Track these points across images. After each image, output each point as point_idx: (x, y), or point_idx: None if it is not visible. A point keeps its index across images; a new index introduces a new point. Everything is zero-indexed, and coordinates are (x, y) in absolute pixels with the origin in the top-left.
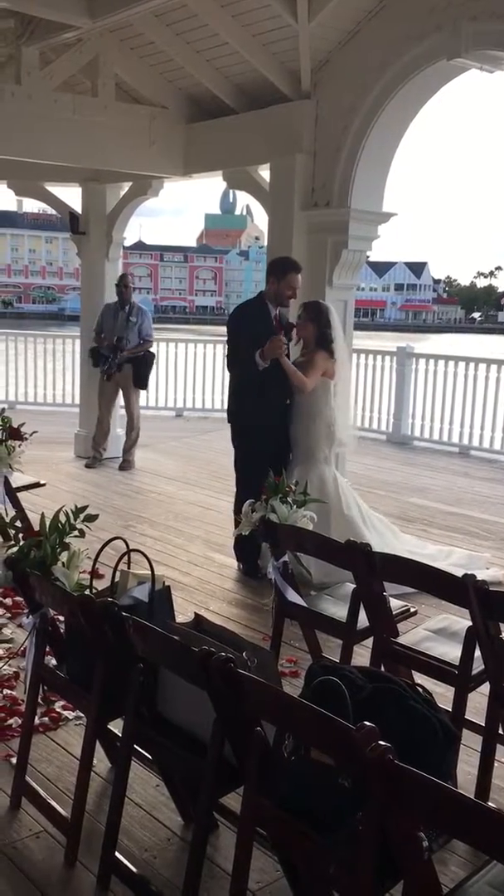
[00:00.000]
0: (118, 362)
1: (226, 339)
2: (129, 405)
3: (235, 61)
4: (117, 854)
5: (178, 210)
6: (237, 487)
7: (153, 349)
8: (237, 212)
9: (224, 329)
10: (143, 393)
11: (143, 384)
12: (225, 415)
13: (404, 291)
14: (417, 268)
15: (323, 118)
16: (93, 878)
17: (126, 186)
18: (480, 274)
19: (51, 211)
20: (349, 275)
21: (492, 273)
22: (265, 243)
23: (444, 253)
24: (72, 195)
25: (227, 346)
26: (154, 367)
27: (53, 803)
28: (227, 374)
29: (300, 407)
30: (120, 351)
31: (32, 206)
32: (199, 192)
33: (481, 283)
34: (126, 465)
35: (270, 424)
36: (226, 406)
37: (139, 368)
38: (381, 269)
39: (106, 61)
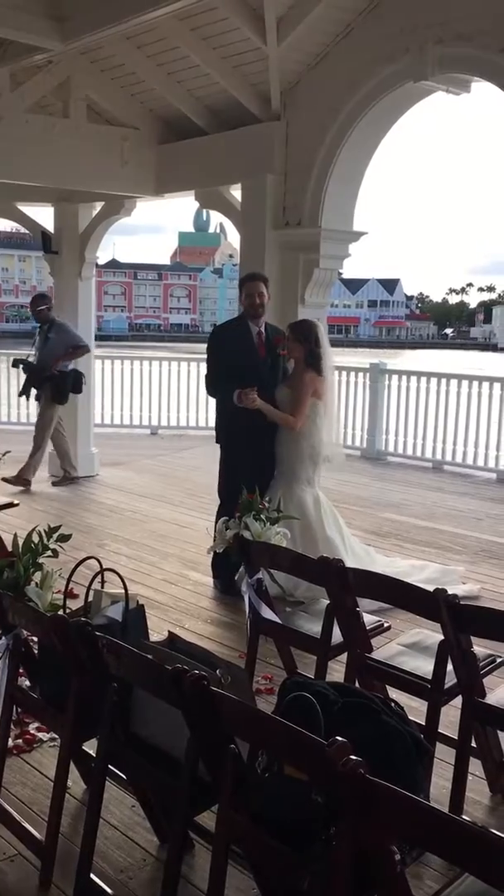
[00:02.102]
0: (35, 383)
1: (205, 357)
2: (39, 419)
3: (206, 83)
4: (92, 876)
5: (153, 227)
6: (220, 506)
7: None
8: (211, 230)
9: (200, 346)
10: (117, 410)
11: (61, 399)
12: (200, 432)
13: (377, 308)
14: (390, 284)
15: (293, 139)
16: None
17: (98, 206)
18: (452, 290)
19: (24, 229)
20: (321, 293)
21: (463, 289)
22: (239, 261)
23: (416, 269)
24: (44, 214)
25: (206, 366)
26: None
27: (28, 826)
28: (204, 392)
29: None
30: (41, 371)
31: (5, 224)
32: (175, 210)
33: (453, 299)
34: (18, 481)
35: (255, 443)
36: (200, 423)
37: (59, 383)
38: (354, 285)
39: (77, 83)
